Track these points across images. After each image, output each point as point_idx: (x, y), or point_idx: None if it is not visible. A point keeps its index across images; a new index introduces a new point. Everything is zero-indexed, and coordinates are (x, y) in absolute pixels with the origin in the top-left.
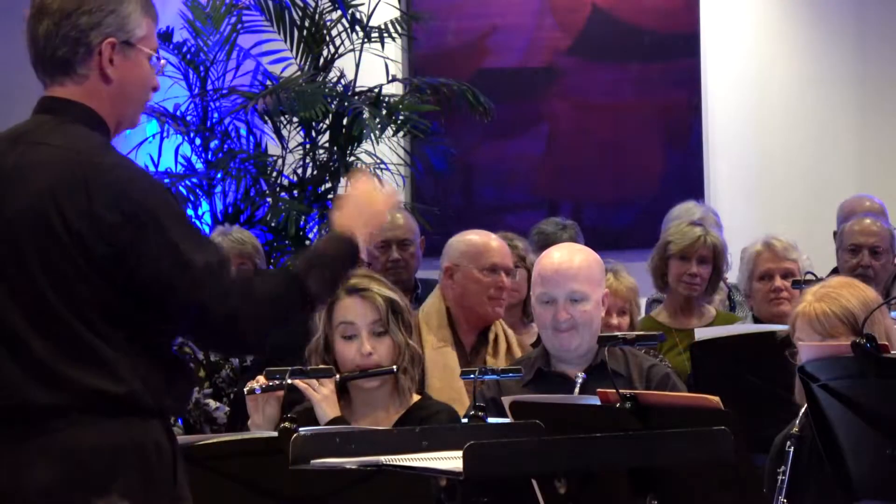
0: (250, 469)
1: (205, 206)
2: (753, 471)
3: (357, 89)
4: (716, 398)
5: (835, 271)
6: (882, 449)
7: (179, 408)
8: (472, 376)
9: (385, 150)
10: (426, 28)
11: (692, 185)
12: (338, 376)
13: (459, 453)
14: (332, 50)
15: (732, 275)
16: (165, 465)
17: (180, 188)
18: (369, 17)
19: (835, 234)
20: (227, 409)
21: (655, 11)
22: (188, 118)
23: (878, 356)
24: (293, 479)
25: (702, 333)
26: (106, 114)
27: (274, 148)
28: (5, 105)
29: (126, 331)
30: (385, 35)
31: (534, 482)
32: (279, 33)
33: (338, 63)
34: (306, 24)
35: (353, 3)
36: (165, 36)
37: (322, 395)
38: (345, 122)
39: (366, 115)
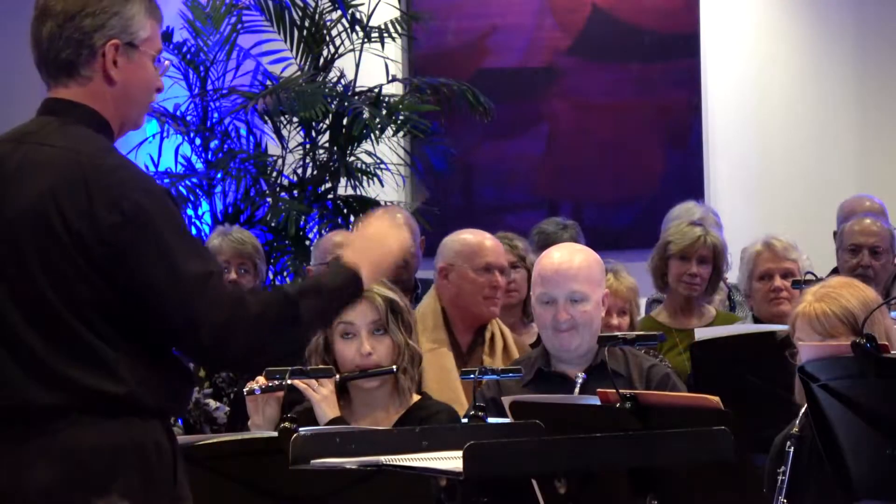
0: (250, 469)
1: (205, 206)
2: (753, 471)
3: (357, 89)
4: (716, 398)
5: (835, 271)
6: (882, 449)
7: (179, 408)
8: (472, 376)
9: (385, 150)
10: (426, 28)
11: (692, 185)
12: (337, 376)
13: (459, 453)
14: (332, 50)
15: (732, 275)
16: (165, 465)
17: (180, 188)
18: (369, 17)
19: (835, 234)
20: (227, 409)
21: (655, 11)
22: (188, 118)
23: (878, 356)
24: (293, 479)
25: (702, 333)
26: (110, 115)
27: (274, 148)
28: (5, 105)
29: (126, 331)
30: (385, 35)
31: (534, 482)
32: (279, 33)
33: (338, 63)
34: (306, 24)
35: (353, 3)
36: (165, 36)
37: (321, 396)
38: (345, 122)
39: (366, 115)
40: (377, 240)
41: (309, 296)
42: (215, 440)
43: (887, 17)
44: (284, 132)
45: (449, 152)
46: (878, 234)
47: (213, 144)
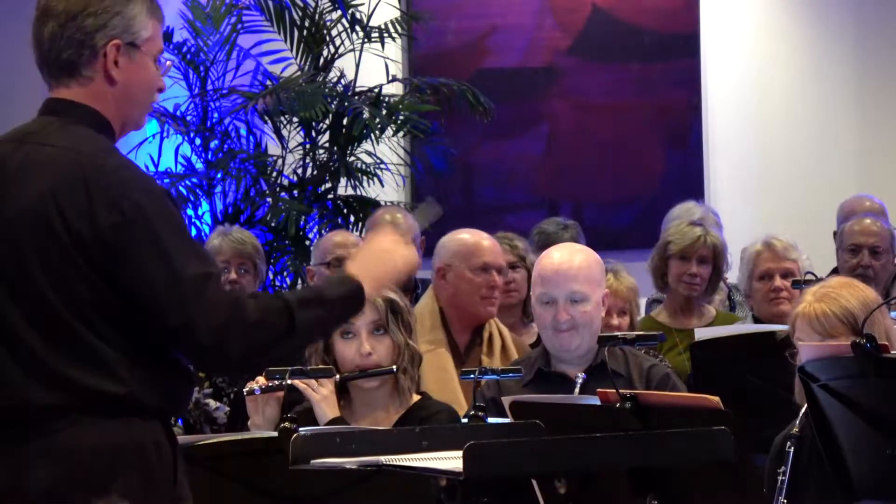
0: (250, 469)
1: (205, 206)
2: (753, 471)
3: (357, 89)
4: (716, 398)
5: (835, 271)
6: (882, 449)
7: (179, 408)
8: (472, 376)
9: (385, 150)
10: (426, 28)
11: (692, 185)
12: (337, 376)
13: (459, 453)
14: (332, 50)
15: (732, 275)
16: (165, 465)
17: (180, 188)
18: (369, 17)
19: (835, 234)
20: (227, 409)
21: (655, 11)
22: (188, 118)
23: (878, 356)
24: (293, 479)
25: (702, 333)
26: (111, 115)
27: (274, 148)
28: (5, 105)
29: (126, 331)
30: (385, 35)
31: (534, 482)
32: (279, 33)
33: (338, 63)
34: (306, 24)
35: (353, 3)
36: (165, 36)
37: (321, 396)
38: (345, 122)
39: (366, 115)
40: (384, 255)
41: (309, 305)
42: (215, 440)
43: (887, 17)
44: (284, 132)
45: (449, 152)
46: (878, 234)
47: (213, 144)
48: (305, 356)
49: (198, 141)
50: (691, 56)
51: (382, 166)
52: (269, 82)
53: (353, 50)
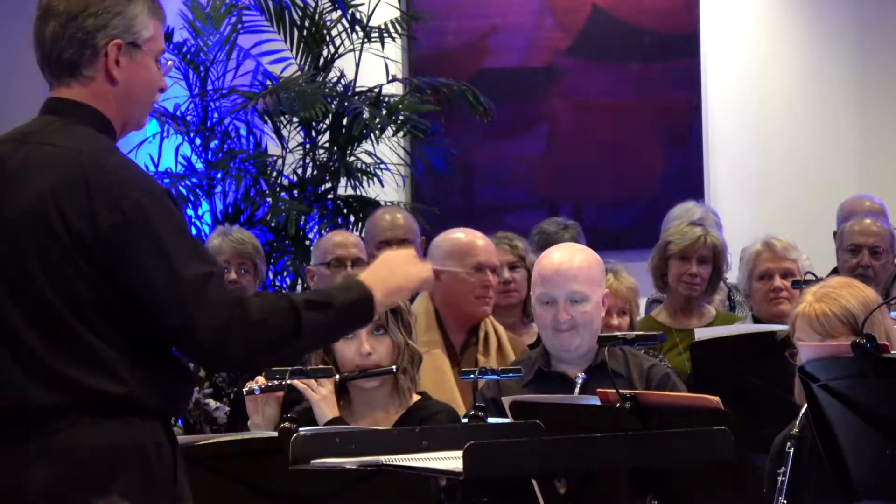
0: (250, 469)
1: (205, 206)
2: (753, 471)
3: (357, 89)
4: (716, 398)
5: (835, 271)
6: (882, 449)
7: (179, 408)
8: (472, 376)
9: (385, 150)
10: (426, 28)
11: (692, 185)
12: (337, 376)
13: (459, 453)
14: (332, 50)
15: (732, 275)
16: (165, 465)
17: (180, 188)
18: (369, 17)
19: (835, 234)
20: (227, 409)
21: (655, 11)
22: (188, 118)
23: (878, 356)
24: (293, 479)
25: (702, 333)
26: (112, 115)
27: (274, 148)
28: (5, 105)
29: (126, 331)
30: (385, 35)
31: (534, 482)
32: (279, 33)
33: (338, 63)
34: (306, 24)
35: (353, 3)
36: (165, 36)
37: (321, 396)
38: (345, 122)
39: (366, 115)
40: (398, 267)
41: (316, 309)
42: (215, 440)
43: (887, 17)
44: (284, 132)
45: (449, 152)
46: (878, 234)
47: (213, 144)
48: (305, 356)
49: (198, 141)
50: (691, 56)
51: (382, 166)
52: (269, 82)
53: (353, 50)
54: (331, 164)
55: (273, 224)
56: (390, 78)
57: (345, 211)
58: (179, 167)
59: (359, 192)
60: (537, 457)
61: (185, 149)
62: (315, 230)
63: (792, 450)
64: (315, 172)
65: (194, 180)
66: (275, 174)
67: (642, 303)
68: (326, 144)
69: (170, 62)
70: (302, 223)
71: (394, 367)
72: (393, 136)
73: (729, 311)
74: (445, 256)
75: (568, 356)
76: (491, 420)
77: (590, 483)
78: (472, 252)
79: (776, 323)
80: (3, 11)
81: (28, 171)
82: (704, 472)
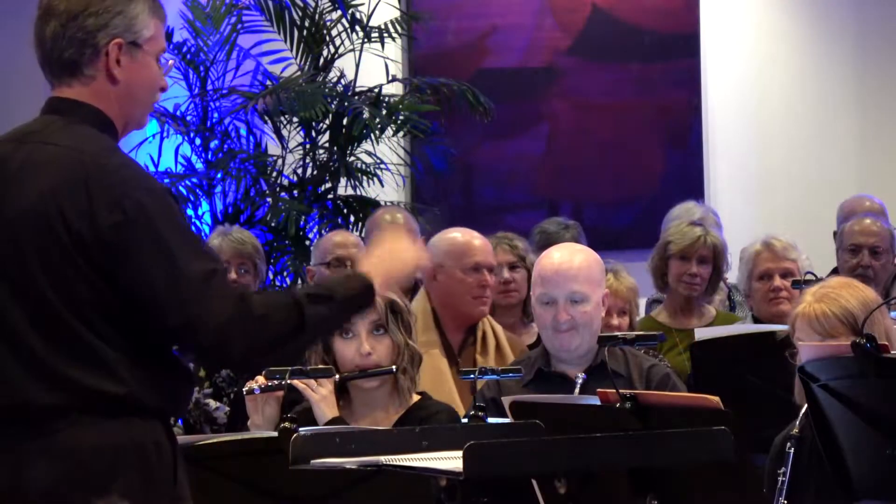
0: (250, 469)
1: (205, 206)
2: (753, 471)
3: (357, 89)
4: (716, 398)
5: (835, 271)
6: (882, 449)
7: (179, 408)
8: (472, 376)
9: (385, 150)
10: (426, 28)
11: (692, 185)
12: (337, 376)
13: (459, 453)
14: (332, 50)
15: (732, 275)
16: (165, 465)
17: (180, 188)
18: (369, 17)
19: (835, 234)
20: (227, 409)
21: (655, 11)
22: (188, 118)
23: (878, 356)
24: (293, 479)
25: (702, 333)
26: (113, 115)
27: (274, 148)
28: (5, 105)
29: (126, 331)
30: (385, 35)
31: (534, 482)
32: (279, 33)
33: (338, 63)
34: (306, 24)
35: (353, 3)
36: (165, 36)
37: (320, 396)
38: (345, 122)
39: (366, 115)
40: (393, 253)
41: (318, 302)
42: (215, 440)
43: (887, 17)
44: (284, 132)
45: (449, 152)
46: (878, 234)
47: (213, 144)
48: (305, 356)
49: (198, 141)
50: (691, 56)
51: (382, 166)
52: (269, 82)
53: (353, 50)
54: (331, 164)
55: (273, 224)
56: (390, 78)
57: (345, 211)
58: (179, 167)
59: (359, 192)
60: (537, 457)
61: (185, 149)
62: (315, 230)
63: (792, 450)
64: (315, 172)
65: (194, 180)
66: (275, 174)
67: (642, 303)
68: (326, 144)
69: (171, 61)
70: (302, 223)
71: (394, 367)
72: (393, 136)
73: (729, 311)
74: (443, 256)
75: (568, 356)
76: (491, 420)
77: (590, 483)
78: (469, 252)
79: (776, 323)
80: (3, 11)
81: (29, 170)
82: (704, 472)
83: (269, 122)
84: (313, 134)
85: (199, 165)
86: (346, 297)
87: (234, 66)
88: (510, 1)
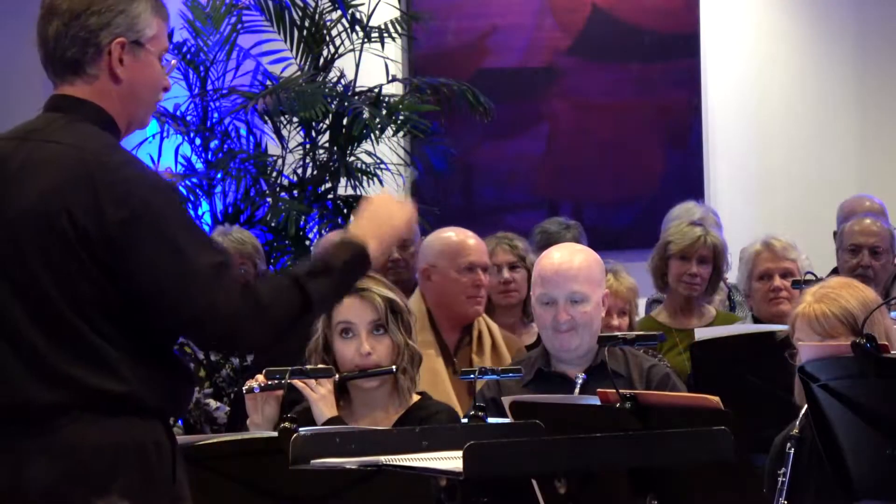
0: (250, 469)
1: (205, 206)
2: (753, 471)
3: (357, 89)
4: (716, 398)
5: (835, 271)
6: (882, 449)
7: (180, 408)
8: (472, 376)
9: (385, 150)
10: (426, 28)
11: (692, 185)
12: (337, 376)
13: (459, 453)
14: (332, 50)
15: (732, 275)
16: (165, 464)
17: (180, 188)
18: (369, 17)
19: (835, 234)
20: (227, 409)
21: (655, 11)
22: (188, 118)
23: (878, 356)
24: (293, 479)
25: (702, 333)
26: (116, 113)
27: (274, 148)
28: (5, 105)
29: (128, 330)
30: (385, 35)
31: (534, 482)
32: (279, 33)
33: (338, 63)
34: (306, 24)
35: (353, 3)
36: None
37: (319, 395)
38: (345, 122)
39: (366, 115)
40: (382, 214)
41: (318, 276)
42: (215, 440)
43: (887, 17)
44: (284, 132)
45: (449, 152)
46: (878, 234)
47: (213, 144)
48: (305, 356)
49: (198, 141)
50: (691, 56)
51: (382, 166)
52: (269, 82)
53: (353, 50)
54: (331, 164)
55: (273, 224)
56: (390, 78)
57: (345, 211)
58: (179, 167)
59: (359, 192)
60: (537, 457)
61: (185, 149)
62: (315, 230)
63: (792, 450)
64: (315, 172)
65: (194, 180)
66: (275, 174)
67: (642, 303)
68: (326, 144)
69: (173, 62)
70: (302, 223)
71: (393, 367)
72: (393, 136)
73: (729, 311)
74: (437, 256)
75: (568, 356)
76: (491, 420)
77: (590, 483)
78: (463, 252)
79: (776, 323)
80: (3, 11)
81: (30, 169)
82: (704, 472)
83: (269, 122)
84: (313, 134)
85: (199, 165)
86: (343, 266)
87: (234, 66)
88: (510, 1)
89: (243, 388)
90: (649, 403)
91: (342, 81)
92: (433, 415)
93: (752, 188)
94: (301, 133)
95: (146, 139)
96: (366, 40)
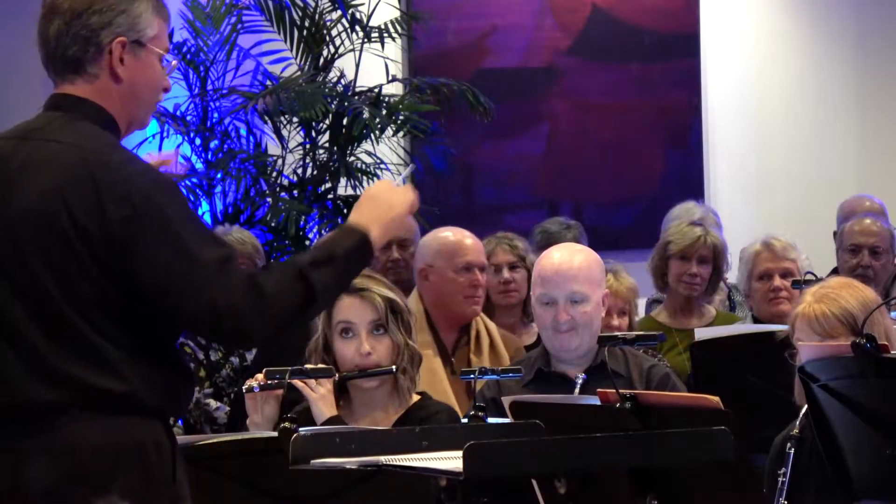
0: (250, 469)
1: (205, 206)
2: (753, 471)
3: (357, 89)
4: (716, 398)
5: (835, 271)
6: (882, 449)
7: (180, 408)
8: (472, 376)
9: (385, 150)
10: (426, 28)
11: (692, 185)
12: (337, 376)
13: (459, 453)
14: (332, 50)
15: (732, 275)
16: (165, 464)
17: (180, 188)
18: (369, 17)
19: (835, 234)
20: (227, 409)
21: (655, 11)
22: (188, 118)
23: (878, 356)
24: (293, 479)
25: (702, 333)
26: (116, 113)
27: (274, 148)
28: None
29: (128, 330)
30: (385, 35)
31: (534, 482)
32: (279, 33)
33: (338, 63)
34: (306, 24)
35: (353, 3)
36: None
37: (319, 395)
38: (345, 122)
39: (366, 115)
40: (383, 200)
41: (322, 265)
42: (215, 440)
43: (887, 17)
44: (284, 132)
45: (449, 152)
46: (878, 234)
47: (213, 144)
48: (305, 355)
49: (198, 141)
50: (691, 56)
51: (382, 166)
52: (269, 82)
53: (353, 50)
54: (331, 164)
55: (273, 224)
56: (390, 78)
57: (345, 211)
58: (179, 168)
59: (359, 192)
60: (537, 457)
61: (185, 149)
62: (315, 230)
63: (792, 450)
64: (315, 172)
65: (194, 180)
66: (275, 174)
67: (642, 303)
68: (326, 144)
69: (173, 62)
70: (302, 223)
71: (393, 367)
72: (393, 136)
73: (729, 311)
74: (434, 256)
75: (568, 356)
76: (491, 420)
77: (590, 483)
78: (460, 251)
79: (776, 323)
80: (3, 11)
81: (31, 168)
82: (704, 472)
83: (269, 122)
84: (313, 134)
85: (199, 165)
86: (346, 255)
87: (234, 66)
88: (510, 1)
89: (243, 387)
90: (649, 403)
91: (342, 81)
92: (433, 415)
93: (752, 188)
94: (301, 133)
95: (146, 139)
96: (366, 40)
